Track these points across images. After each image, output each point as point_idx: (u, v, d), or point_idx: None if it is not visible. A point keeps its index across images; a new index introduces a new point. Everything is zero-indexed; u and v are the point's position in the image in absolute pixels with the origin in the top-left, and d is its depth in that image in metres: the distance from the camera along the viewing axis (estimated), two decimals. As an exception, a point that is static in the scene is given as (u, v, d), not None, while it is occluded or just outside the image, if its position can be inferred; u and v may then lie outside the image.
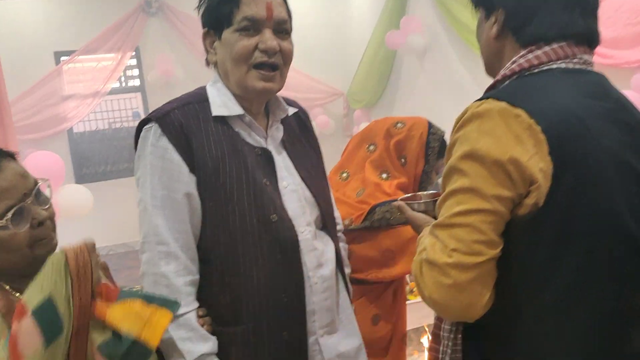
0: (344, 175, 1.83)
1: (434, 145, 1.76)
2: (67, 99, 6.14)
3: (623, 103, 1.01)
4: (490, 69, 1.12)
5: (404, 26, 5.42)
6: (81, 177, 6.26)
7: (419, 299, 1.97)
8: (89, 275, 0.98)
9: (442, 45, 5.18)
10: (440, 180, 1.44)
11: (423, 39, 5.33)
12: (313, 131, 1.46)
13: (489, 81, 1.10)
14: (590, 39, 1.03)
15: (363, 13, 6.59)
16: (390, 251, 1.68)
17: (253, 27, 1.19)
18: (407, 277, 1.82)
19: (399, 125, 1.78)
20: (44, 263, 0.98)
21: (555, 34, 0.99)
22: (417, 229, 1.20)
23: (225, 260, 1.20)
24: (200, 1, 1.27)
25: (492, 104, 0.92)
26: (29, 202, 1.04)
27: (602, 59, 3.02)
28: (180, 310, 1.14)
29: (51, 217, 1.07)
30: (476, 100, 0.97)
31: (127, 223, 6.39)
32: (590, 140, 0.91)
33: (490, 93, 0.98)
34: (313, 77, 6.51)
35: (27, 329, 0.92)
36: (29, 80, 5.84)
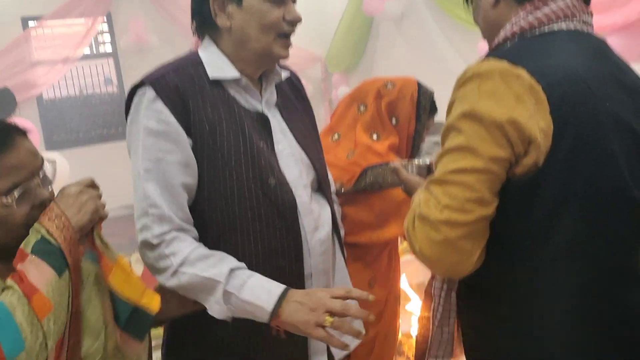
0: (335, 136, 1.83)
1: (425, 104, 1.78)
2: (35, 65, 5.96)
3: (623, 67, 1.01)
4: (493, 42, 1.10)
5: (381, -8, 5.40)
6: (51, 144, 6.13)
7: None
8: (70, 215, 1.00)
9: (419, 11, 5.16)
10: (426, 145, 1.48)
11: (400, 5, 5.30)
12: (306, 95, 1.46)
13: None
14: None
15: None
16: (384, 213, 1.70)
17: None
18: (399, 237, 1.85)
19: (389, 85, 1.79)
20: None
21: None
22: (411, 190, 1.21)
23: (222, 225, 1.20)
24: None
25: (493, 64, 0.92)
26: (35, 181, 1.03)
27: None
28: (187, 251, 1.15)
29: (51, 199, 1.06)
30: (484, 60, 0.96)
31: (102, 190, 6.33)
32: (593, 101, 0.91)
33: (492, 53, 0.98)
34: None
35: (34, 264, 0.94)
36: (-5, 46, 5.66)
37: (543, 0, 0.99)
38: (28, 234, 1.00)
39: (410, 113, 1.77)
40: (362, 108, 1.79)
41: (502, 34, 1.02)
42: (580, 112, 0.90)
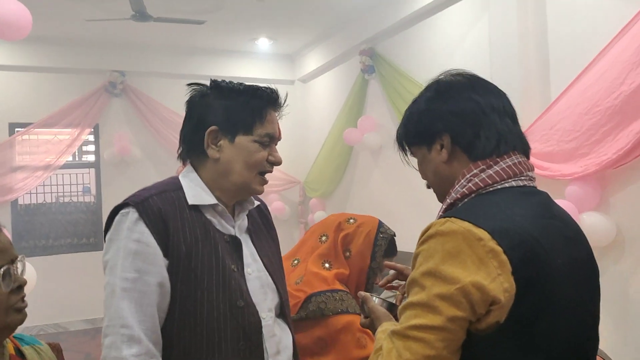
0: (295, 262, 1.90)
1: (381, 244, 1.85)
2: (16, 170, 6.01)
3: (564, 218, 1.09)
4: (443, 196, 1.14)
5: (361, 125, 5.71)
6: (20, 250, 5.95)
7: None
8: None
9: (395, 143, 5.43)
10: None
11: (378, 136, 5.60)
12: (272, 223, 1.56)
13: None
14: (525, 146, 1.12)
15: (322, 110, 6.92)
16: (323, 340, 1.71)
17: (269, 142, 1.36)
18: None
19: (351, 220, 1.89)
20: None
21: (504, 146, 1.07)
22: (375, 320, 1.22)
23: (188, 345, 1.21)
24: (196, 95, 1.36)
25: (455, 224, 0.96)
26: (14, 266, 1.17)
27: (540, 170, 3.26)
28: None
29: (24, 286, 1.19)
30: (440, 217, 1.01)
31: (64, 302, 6.07)
32: (547, 260, 0.96)
33: (453, 212, 1.02)
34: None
35: None
36: (-21, 148, 5.74)
37: (493, 160, 1.06)
38: (6, 321, 1.11)
39: (365, 250, 1.84)
40: (323, 238, 1.88)
41: (459, 190, 1.08)
42: (539, 273, 0.95)
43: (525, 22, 3.52)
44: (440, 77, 1.17)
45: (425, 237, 0.99)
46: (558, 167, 3.18)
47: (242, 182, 1.33)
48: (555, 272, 0.97)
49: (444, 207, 1.11)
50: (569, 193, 3.11)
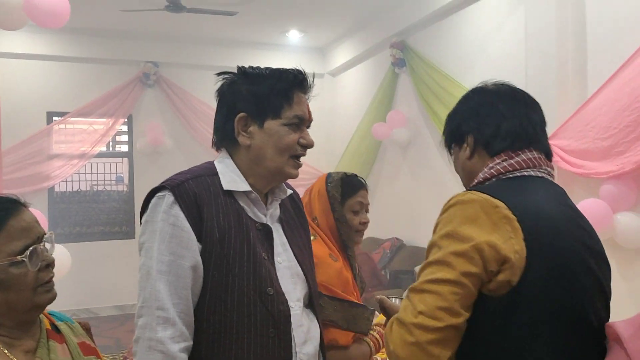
0: None
1: (334, 193, 1.82)
2: (53, 158, 6.18)
3: (579, 212, 1.16)
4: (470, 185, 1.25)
5: (390, 120, 5.67)
6: (55, 236, 6.13)
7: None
8: None
9: (424, 138, 5.39)
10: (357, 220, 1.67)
11: (407, 132, 5.56)
12: (304, 213, 1.56)
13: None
14: (547, 149, 1.21)
15: (351, 104, 6.90)
16: None
17: (299, 124, 1.34)
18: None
19: (307, 193, 1.87)
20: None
21: (519, 143, 1.18)
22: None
23: (218, 330, 1.23)
24: (225, 84, 1.36)
25: (475, 195, 1.07)
26: (41, 245, 1.15)
27: (574, 168, 3.17)
28: None
29: (53, 264, 1.18)
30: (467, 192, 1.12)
31: (96, 288, 6.22)
32: (559, 238, 1.04)
33: (473, 187, 1.15)
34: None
35: None
36: (20, 136, 5.92)
37: (509, 155, 1.17)
38: (34, 301, 1.10)
39: (324, 207, 1.81)
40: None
41: (481, 176, 1.19)
42: (551, 246, 1.03)
43: (564, 13, 3.39)
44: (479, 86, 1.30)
45: (447, 206, 1.10)
46: (593, 165, 3.09)
47: (275, 167, 1.32)
48: (567, 252, 1.04)
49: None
50: (604, 192, 3.02)
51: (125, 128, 6.68)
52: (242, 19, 5.88)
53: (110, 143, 6.69)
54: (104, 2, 5.36)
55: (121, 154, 6.76)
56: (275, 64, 1.43)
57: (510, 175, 1.15)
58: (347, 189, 1.84)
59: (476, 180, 1.20)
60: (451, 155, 1.32)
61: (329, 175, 1.88)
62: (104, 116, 6.33)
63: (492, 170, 1.17)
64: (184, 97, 6.65)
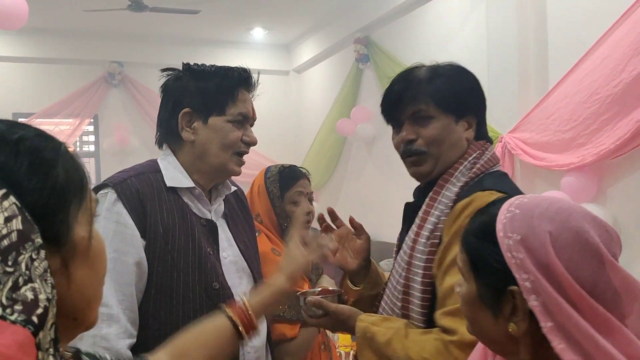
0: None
1: (272, 188, 1.82)
2: (16, 160, 6.02)
3: None
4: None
5: (354, 115, 5.68)
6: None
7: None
8: None
9: (389, 134, 5.38)
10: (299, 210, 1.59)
11: (372, 127, 5.55)
12: (249, 208, 1.58)
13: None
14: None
15: (317, 101, 6.91)
16: None
17: (242, 121, 1.35)
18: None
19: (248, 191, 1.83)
20: None
21: (487, 136, 1.26)
22: (347, 320, 1.20)
23: (164, 326, 1.23)
24: (171, 79, 1.37)
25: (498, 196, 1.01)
26: None
27: (535, 160, 3.23)
28: None
29: None
30: (481, 191, 1.10)
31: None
32: None
33: (494, 187, 1.10)
34: (268, 157, 6.70)
35: None
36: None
37: (486, 146, 1.22)
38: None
39: (264, 203, 1.82)
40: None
41: (474, 171, 1.17)
42: None
43: (525, 7, 3.42)
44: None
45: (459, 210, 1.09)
46: (554, 157, 3.14)
47: (218, 163, 1.34)
48: None
49: (460, 185, 1.17)
50: (565, 184, 3.04)
51: (91, 128, 6.63)
52: (206, 17, 5.85)
53: (77, 143, 6.62)
54: (67, 2, 5.31)
55: (88, 154, 6.70)
56: (240, 62, 1.46)
57: (492, 170, 1.19)
58: (285, 182, 1.84)
59: (469, 175, 1.16)
60: (428, 118, 1.21)
61: (267, 169, 1.88)
62: (69, 117, 6.28)
63: (478, 166, 1.18)
64: (150, 96, 6.57)
